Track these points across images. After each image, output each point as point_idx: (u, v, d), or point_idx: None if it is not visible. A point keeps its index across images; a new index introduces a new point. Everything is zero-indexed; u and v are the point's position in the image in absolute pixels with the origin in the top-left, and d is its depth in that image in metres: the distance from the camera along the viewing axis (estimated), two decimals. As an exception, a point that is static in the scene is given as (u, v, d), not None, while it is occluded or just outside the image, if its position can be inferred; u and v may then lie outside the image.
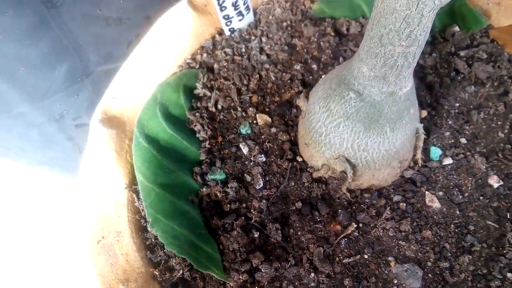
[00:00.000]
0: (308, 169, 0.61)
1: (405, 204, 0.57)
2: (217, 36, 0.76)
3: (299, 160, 0.63)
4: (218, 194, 0.59)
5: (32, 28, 0.65)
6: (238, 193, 0.59)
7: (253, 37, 0.75)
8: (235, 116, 0.67)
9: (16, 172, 1.11)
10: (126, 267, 0.52)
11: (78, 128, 0.80)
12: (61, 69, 0.70)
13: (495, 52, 0.70)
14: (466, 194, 0.58)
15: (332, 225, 0.57)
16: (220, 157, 0.63)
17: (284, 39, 0.74)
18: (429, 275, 0.53)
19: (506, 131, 0.63)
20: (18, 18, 0.62)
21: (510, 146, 0.61)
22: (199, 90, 0.69)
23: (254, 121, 0.66)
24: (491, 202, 0.58)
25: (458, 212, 0.57)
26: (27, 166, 0.88)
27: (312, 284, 0.52)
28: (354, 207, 0.58)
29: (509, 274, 0.52)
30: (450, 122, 0.64)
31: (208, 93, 0.68)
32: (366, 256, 0.54)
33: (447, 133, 0.63)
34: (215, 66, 0.71)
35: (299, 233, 0.56)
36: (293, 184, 0.60)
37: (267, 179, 0.61)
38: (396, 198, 0.58)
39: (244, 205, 0.59)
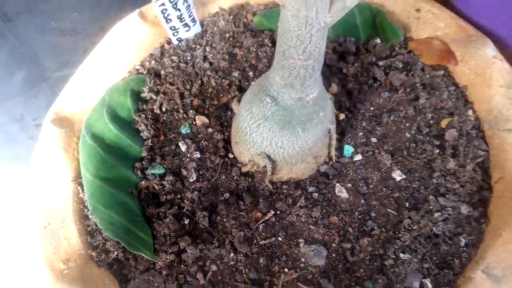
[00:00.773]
0: (237, 165, 0.68)
1: (317, 194, 0.64)
2: (165, 45, 0.82)
3: (231, 157, 0.69)
4: (156, 187, 0.65)
5: (-10, 40, 0.71)
6: (174, 186, 0.66)
7: (198, 46, 0.81)
8: (177, 117, 0.73)
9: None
10: (68, 250, 0.59)
11: (38, 127, 0.85)
12: (19, 75, 0.77)
13: (410, 61, 0.77)
14: (371, 186, 0.65)
15: (253, 213, 0.63)
16: (161, 154, 0.69)
17: (226, 49, 0.81)
18: (333, 254, 0.60)
19: (413, 131, 0.70)
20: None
21: (414, 145, 0.68)
22: (146, 94, 0.75)
23: (194, 122, 0.72)
24: (393, 193, 0.65)
25: (362, 201, 0.64)
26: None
27: (232, 262, 0.59)
28: (274, 197, 0.65)
29: (401, 255, 0.58)
30: (364, 124, 0.71)
31: (154, 97, 0.75)
32: (280, 239, 0.61)
33: (360, 133, 0.70)
34: (162, 72, 0.78)
35: (224, 219, 0.63)
36: (223, 177, 0.67)
37: (201, 173, 0.67)
38: (311, 189, 0.65)
39: (178, 196, 0.65)
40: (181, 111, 0.73)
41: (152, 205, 0.64)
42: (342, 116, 0.71)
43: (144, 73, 0.78)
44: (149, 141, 0.70)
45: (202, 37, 0.83)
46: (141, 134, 0.71)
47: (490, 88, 0.71)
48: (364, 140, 0.69)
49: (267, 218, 0.62)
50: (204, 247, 0.59)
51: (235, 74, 0.77)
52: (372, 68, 0.77)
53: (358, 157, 0.67)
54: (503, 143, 0.66)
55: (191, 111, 0.73)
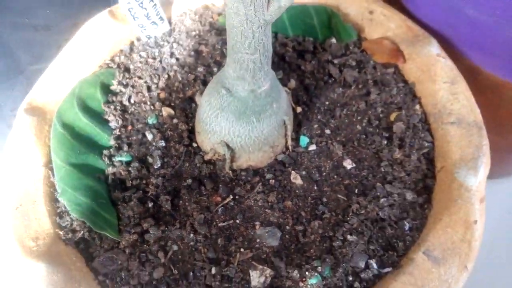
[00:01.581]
0: (200, 153, 0.70)
1: (274, 180, 0.67)
2: (135, 42, 0.84)
3: (194, 146, 0.71)
4: (122, 173, 0.67)
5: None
6: (140, 172, 0.67)
7: (166, 43, 0.83)
8: (144, 109, 0.75)
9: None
10: (38, 229, 0.60)
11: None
12: (-4, 68, 0.79)
13: (363, 60, 0.80)
14: (324, 173, 0.68)
15: (214, 197, 0.65)
16: (128, 143, 0.71)
17: (192, 46, 0.83)
18: (286, 236, 0.62)
19: (363, 124, 0.73)
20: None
21: (364, 136, 0.72)
22: (115, 87, 0.77)
23: (160, 114, 0.74)
24: (343, 180, 0.67)
25: (315, 188, 0.66)
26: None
27: (192, 243, 0.61)
28: (233, 183, 0.67)
29: (349, 237, 0.61)
30: (319, 117, 0.74)
31: (123, 89, 0.76)
32: (238, 221, 0.63)
33: (316, 125, 0.73)
34: (131, 66, 0.80)
35: (186, 203, 0.65)
36: (187, 165, 0.69)
37: (165, 160, 0.69)
38: (268, 176, 0.67)
39: (144, 181, 0.67)
40: (149, 103, 0.75)
41: (119, 190, 0.65)
42: (299, 109, 0.74)
43: (114, 67, 0.79)
44: (117, 130, 0.71)
45: (170, 35, 0.85)
46: (109, 124, 0.72)
47: (435, 84, 0.74)
48: (319, 131, 0.72)
49: (226, 202, 0.64)
50: (166, 228, 0.61)
51: (200, 69, 0.79)
52: (328, 66, 0.80)
53: (313, 147, 0.70)
54: (446, 135, 0.69)
55: (157, 103, 0.75)
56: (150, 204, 0.64)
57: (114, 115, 0.73)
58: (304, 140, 0.71)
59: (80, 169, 0.65)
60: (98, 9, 0.80)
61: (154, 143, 0.70)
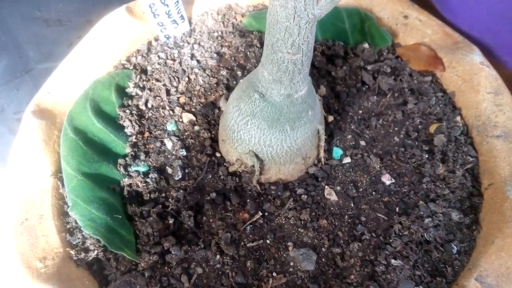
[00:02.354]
0: (224, 164, 0.62)
1: (306, 196, 0.59)
2: (153, 41, 0.76)
3: (218, 156, 0.63)
4: (139, 184, 0.59)
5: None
6: (158, 184, 0.59)
7: (186, 44, 0.75)
8: (163, 114, 0.67)
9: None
10: (45, 247, 0.52)
11: (19, 121, 0.78)
12: (0, 63, 0.69)
13: (398, 67, 0.72)
14: (361, 189, 0.60)
15: (241, 214, 0.57)
16: (145, 151, 0.63)
17: (214, 48, 0.75)
18: (323, 259, 0.54)
19: (401, 136, 0.65)
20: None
21: (403, 149, 0.64)
22: (131, 89, 0.69)
23: (180, 120, 0.66)
24: (382, 197, 0.59)
25: (352, 205, 0.59)
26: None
27: (218, 265, 0.53)
28: (262, 198, 0.59)
29: (393, 261, 0.53)
30: (352, 127, 0.66)
31: (140, 93, 0.68)
32: (268, 241, 0.55)
33: (349, 136, 0.65)
34: (148, 68, 0.72)
35: (210, 220, 0.57)
36: (210, 176, 0.61)
37: (187, 171, 0.61)
38: (300, 191, 0.59)
39: (163, 194, 0.59)
40: (167, 108, 0.67)
41: (135, 203, 0.57)
42: (330, 118, 0.66)
43: (130, 68, 0.71)
44: (133, 137, 0.63)
45: (190, 35, 0.77)
46: (125, 130, 0.64)
47: (478, 94, 0.67)
48: (353, 143, 0.64)
49: (254, 219, 0.57)
50: (189, 248, 0.53)
51: (223, 73, 0.71)
52: (361, 72, 0.72)
53: (347, 160, 0.62)
54: (492, 150, 0.62)
55: (177, 108, 0.67)
56: (171, 220, 0.56)
57: (130, 120, 0.65)
58: (337, 152, 0.63)
59: (93, 179, 0.56)
60: (114, 5, 0.72)
61: (174, 152, 0.62)
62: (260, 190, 0.60)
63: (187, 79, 0.71)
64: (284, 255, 0.54)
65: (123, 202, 0.58)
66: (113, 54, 0.72)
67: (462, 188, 0.60)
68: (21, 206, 0.55)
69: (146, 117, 0.66)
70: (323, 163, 0.62)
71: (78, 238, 0.53)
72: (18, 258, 0.51)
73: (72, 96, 0.65)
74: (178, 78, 0.71)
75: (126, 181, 0.59)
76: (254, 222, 0.56)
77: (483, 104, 0.66)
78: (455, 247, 0.55)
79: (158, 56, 0.73)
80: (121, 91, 0.68)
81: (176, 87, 0.70)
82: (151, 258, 0.52)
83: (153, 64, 0.72)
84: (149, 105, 0.67)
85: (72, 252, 0.52)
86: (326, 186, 0.60)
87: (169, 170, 0.61)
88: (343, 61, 0.74)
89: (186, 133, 0.65)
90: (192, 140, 0.64)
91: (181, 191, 0.59)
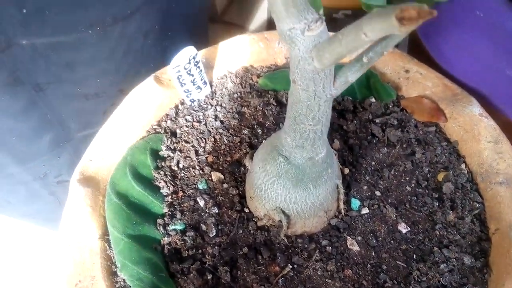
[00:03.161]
0: (253, 219, 0.65)
1: (330, 247, 0.62)
2: (179, 105, 0.80)
3: (246, 211, 0.67)
4: (178, 242, 0.62)
5: (24, 108, 0.69)
6: (195, 241, 0.63)
7: (209, 106, 0.79)
8: (193, 174, 0.70)
9: (3, 224, 1.11)
10: (99, 307, 0.55)
11: (59, 184, 0.82)
12: (46, 137, 0.74)
13: (404, 119, 0.76)
14: (380, 238, 0.63)
15: (272, 267, 0.61)
16: (180, 210, 0.66)
17: (235, 108, 0.79)
18: (350, 307, 0.57)
19: (412, 185, 0.69)
20: (12, 100, 0.66)
21: (415, 198, 0.67)
22: (164, 152, 0.73)
23: (210, 178, 0.70)
24: (401, 245, 0.63)
25: (373, 254, 0.62)
26: (14, 218, 0.89)
27: (255, 317, 0.56)
28: (290, 251, 0.62)
29: (414, 305, 0.56)
30: (367, 178, 0.70)
31: (171, 154, 0.72)
32: (299, 293, 0.58)
33: (365, 187, 0.68)
34: (177, 131, 0.76)
35: (245, 274, 0.60)
36: (241, 232, 0.64)
37: (219, 228, 0.64)
38: (324, 242, 0.63)
39: (200, 251, 0.62)
40: (197, 167, 0.71)
41: (176, 261, 0.60)
42: (346, 171, 0.70)
43: (161, 132, 0.75)
44: (169, 197, 0.67)
45: (213, 97, 0.81)
46: (161, 191, 0.68)
47: (479, 143, 0.70)
48: (369, 193, 0.68)
49: (285, 272, 0.60)
50: (228, 302, 0.56)
51: (245, 131, 0.76)
52: (370, 125, 0.76)
53: (365, 210, 0.66)
54: (496, 195, 0.65)
55: (206, 167, 0.71)
56: (209, 276, 0.59)
57: (165, 181, 0.68)
58: (355, 203, 0.66)
59: (138, 241, 0.60)
60: (142, 74, 0.77)
61: (206, 210, 0.66)
62: (288, 243, 0.63)
63: (213, 139, 0.75)
64: (315, 304, 0.57)
65: (165, 260, 0.61)
66: (145, 119, 0.76)
67: (472, 233, 0.63)
68: (74, 268, 0.58)
69: (179, 177, 0.70)
70: (343, 214, 0.65)
71: (128, 297, 0.57)
72: (76, 319, 0.54)
73: (112, 162, 0.69)
74: (205, 138, 0.75)
75: (165, 240, 0.63)
76: (285, 275, 0.60)
77: (484, 152, 0.69)
78: (469, 290, 0.58)
79: (185, 119, 0.77)
80: (155, 154, 0.72)
81: (204, 147, 0.74)
82: (195, 313, 0.55)
83: (181, 127, 0.76)
84: (181, 166, 0.71)
85: (124, 310, 0.55)
86: (348, 237, 0.63)
87: (204, 227, 0.64)
88: (353, 115, 0.78)
89: (216, 191, 0.68)
90: (222, 198, 0.67)
91: (216, 247, 0.62)
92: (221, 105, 0.80)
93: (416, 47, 0.89)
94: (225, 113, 0.78)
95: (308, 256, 0.62)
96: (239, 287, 0.59)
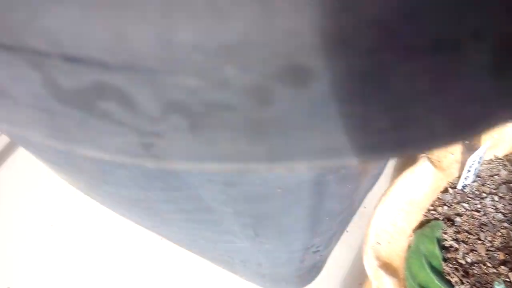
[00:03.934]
0: None
1: None
2: (449, 189, 0.73)
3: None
4: None
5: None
6: None
7: (483, 194, 0.71)
8: (485, 271, 0.61)
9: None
10: None
11: (314, 253, 0.77)
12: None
13: None
14: None
15: None
16: (481, 312, 0.57)
17: (515, 200, 0.70)
18: None
19: None
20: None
21: None
22: (448, 242, 0.65)
23: (507, 279, 0.60)
24: None
25: None
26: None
27: None
28: None
29: None
30: None
31: (455, 245, 0.64)
32: None
33: None
34: (456, 219, 0.68)
35: None
36: None
37: None
38: None
39: None
40: (489, 264, 0.62)
41: None
42: None
43: (440, 218, 0.68)
44: (465, 295, 0.58)
45: (483, 184, 0.72)
46: (454, 286, 0.59)
47: None
48: None
49: None
50: None
51: (534, 229, 0.65)
52: None
53: None
54: None
55: (502, 266, 0.61)
56: None
57: (457, 276, 0.60)
58: None
59: None
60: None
61: (513, 318, 0.56)
62: None
63: (499, 233, 0.65)
64: None
65: None
66: (421, 203, 0.69)
67: None
68: None
69: (470, 273, 0.62)
70: None
71: None
72: None
73: (399, 246, 0.63)
74: (489, 231, 0.66)
75: None
76: None
77: None
78: None
79: (463, 207, 0.69)
80: (440, 244, 0.64)
81: (491, 242, 0.65)
82: None
83: (459, 215, 0.68)
84: (469, 260, 0.63)
85: None
86: None
87: None
88: None
89: (518, 296, 0.58)
90: (528, 305, 0.57)
91: None
92: (496, 194, 0.71)
93: None
94: (505, 205, 0.69)
95: None
96: None
